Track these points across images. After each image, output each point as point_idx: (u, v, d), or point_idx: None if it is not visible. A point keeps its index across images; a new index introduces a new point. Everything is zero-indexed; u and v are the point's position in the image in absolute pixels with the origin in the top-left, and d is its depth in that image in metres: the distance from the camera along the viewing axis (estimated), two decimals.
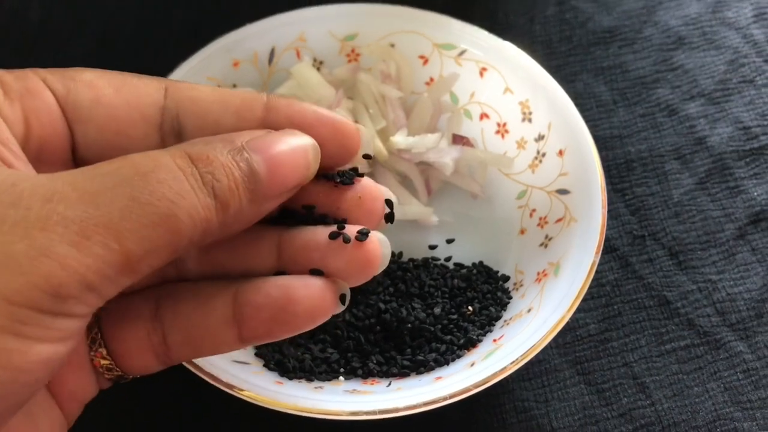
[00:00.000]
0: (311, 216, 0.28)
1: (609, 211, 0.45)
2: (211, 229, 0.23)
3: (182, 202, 0.22)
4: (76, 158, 0.26)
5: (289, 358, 0.37)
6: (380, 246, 0.27)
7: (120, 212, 0.21)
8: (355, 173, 0.28)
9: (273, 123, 0.26)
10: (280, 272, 0.27)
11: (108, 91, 0.25)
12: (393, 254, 0.43)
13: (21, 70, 0.25)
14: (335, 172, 0.28)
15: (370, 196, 0.28)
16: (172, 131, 0.26)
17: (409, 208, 0.44)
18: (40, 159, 0.25)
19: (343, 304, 0.27)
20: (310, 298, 0.26)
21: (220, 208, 0.23)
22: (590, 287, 0.37)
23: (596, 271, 0.37)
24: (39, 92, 0.24)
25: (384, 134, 0.45)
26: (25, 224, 0.20)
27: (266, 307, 0.26)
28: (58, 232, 0.20)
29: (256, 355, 0.37)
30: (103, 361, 0.26)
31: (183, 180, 0.22)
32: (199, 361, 0.33)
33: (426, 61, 0.46)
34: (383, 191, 0.28)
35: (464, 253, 0.43)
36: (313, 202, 0.28)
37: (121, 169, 0.22)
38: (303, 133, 0.26)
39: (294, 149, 0.25)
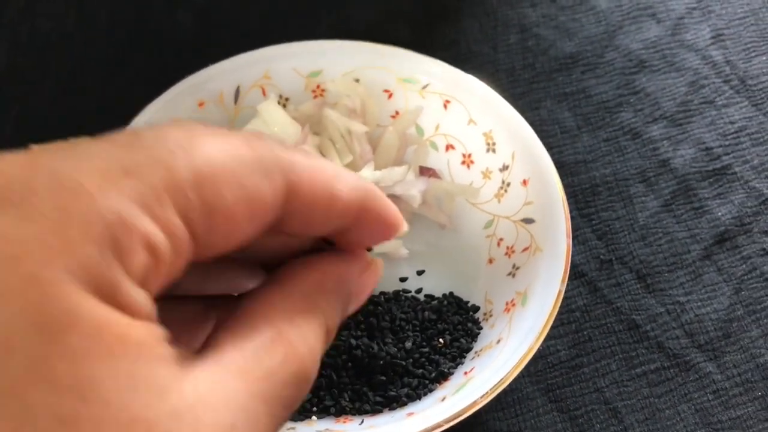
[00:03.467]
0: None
1: (576, 236, 0.46)
2: None
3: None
4: None
5: None
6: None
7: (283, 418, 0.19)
8: None
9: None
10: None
11: None
12: None
13: None
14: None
15: None
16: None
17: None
18: None
19: None
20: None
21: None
22: (560, 313, 0.38)
23: (565, 297, 0.38)
24: None
25: (351, 168, 0.45)
26: None
27: None
28: None
29: None
30: None
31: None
32: None
33: (390, 95, 0.47)
34: None
35: (434, 284, 0.43)
36: None
37: (286, 370, 0.20)
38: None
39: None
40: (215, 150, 0.18)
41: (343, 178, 0.22)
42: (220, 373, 0.18)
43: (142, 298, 0.17)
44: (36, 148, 0.17)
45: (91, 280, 0.16)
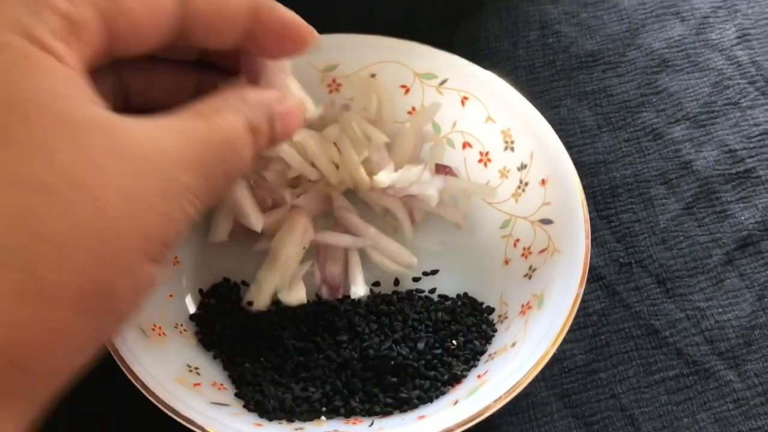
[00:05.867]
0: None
1: (594, 238, 0.45)
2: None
3: (245, 169, 0.28)
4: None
5: (269, 398, 0.36)
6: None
7: (217, 185, 0.27)
8: None
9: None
10: None
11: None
12: (377, 284, 0.42)
13: None
14: None
15: None
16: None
17: (389, 249, 0.43)
18: None
19: None
20: None
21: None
22: (577, 317, 0.37)
23: (582, 301, 0.37)
24: None
25: (367, 166, 0.44)
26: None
27: None
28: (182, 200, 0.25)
29: (236, 395, 0.37)
30: None
31: (250, 150, 0.28)
32: (174, 403, 0.32)
33: (408, 91, 0.46)
34: None
35: (449, 285, 0.42)
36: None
37: (213, 137, 0.27)
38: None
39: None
40: None
41: None
42: (153, 124, 0.25)
43: (64, 50, 0.24)
44: None
45: (17, 26, 0.23)
